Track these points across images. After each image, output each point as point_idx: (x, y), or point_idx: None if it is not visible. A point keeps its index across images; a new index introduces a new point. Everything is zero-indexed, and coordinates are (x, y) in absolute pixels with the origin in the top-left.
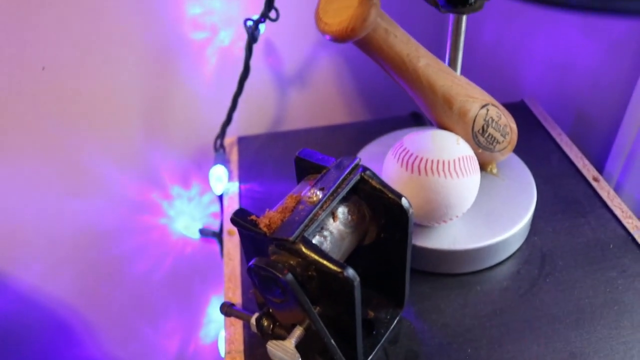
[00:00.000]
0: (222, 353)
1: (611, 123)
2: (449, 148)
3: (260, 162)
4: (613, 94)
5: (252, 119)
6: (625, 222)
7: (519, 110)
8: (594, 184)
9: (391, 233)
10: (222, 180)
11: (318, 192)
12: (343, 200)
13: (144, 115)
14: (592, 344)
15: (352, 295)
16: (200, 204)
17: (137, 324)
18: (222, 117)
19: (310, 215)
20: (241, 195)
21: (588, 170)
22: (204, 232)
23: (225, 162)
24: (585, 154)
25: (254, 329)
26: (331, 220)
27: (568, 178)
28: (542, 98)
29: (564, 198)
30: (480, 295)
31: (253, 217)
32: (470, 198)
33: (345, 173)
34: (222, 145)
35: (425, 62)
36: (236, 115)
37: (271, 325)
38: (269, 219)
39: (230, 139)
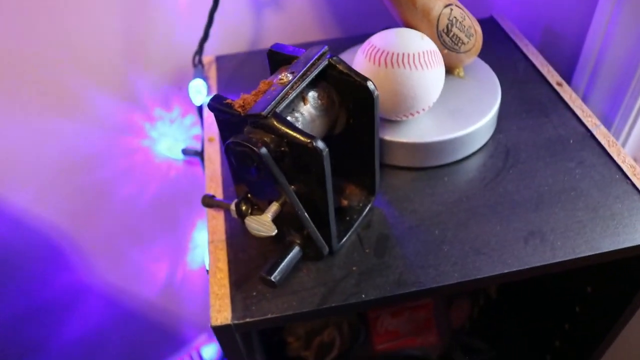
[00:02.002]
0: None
1: (577, 36)
2: (413, 42)
3: (238, 78)
4: (579, 7)
5: (229, 39)
6: (585, 120)
7: (488, 24)
8: (558, 88)
9: (359, 118)
10: (202, 92)
11: (288, 75)
12: (313, 86)
13: (123, 36)
14: (550, 223)
15: (321, 166)
16: (182, 126)
17: (125, 248)
18: (199, 35)
19: (282, 94)
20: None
21: (552, 76)
22: (186, 152)
23: (204, 78)
24: (554, 67)
25: (233, 214)
26: (302, 103)
27: (533, 83)
28: (512, 14)
29: (528, 100)
30: (448, 185)
31: (228, 100)
32: (434, 91)
33: (314, 58)
34: (200, 61)
35: None
36: (214, 35)
37: (249, 209)
38: (243, 100)
39: (208, 57)
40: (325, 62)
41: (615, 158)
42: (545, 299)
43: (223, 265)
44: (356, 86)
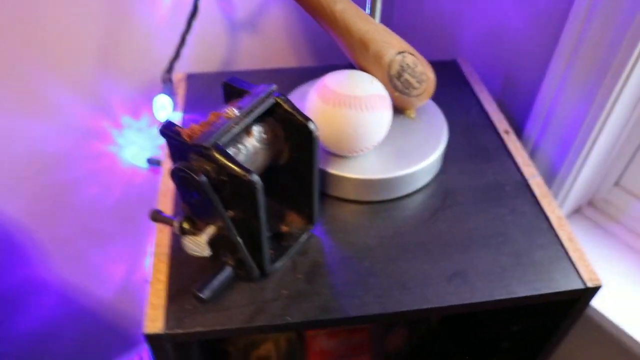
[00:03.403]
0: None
1: (533, 85)
2: (362, 86)
3: (205, 97)
4: (536, 59)
5: (203, 58)
6: (524, 169)
7: (450, 67)
8: (504, 136)
9: (301, 153)
10: (166, 108)
11: (235, 110)
12: (259, 121)
13: (97, 44)
14: (474, 265)
15: (255, 197)
16: (149, 135)
17: (84, 247)
18: (172, 53)
19: (225, 127)
20: (183, 124)
21: (501, 123)
22: (151, 161)
23: (172, 94)
24: (511, 115)
25: (177, 231)
26: (247, 136)
27: (482, 129)
28: (477, 60)
29: (475, 146)
30: (386, 221)
31: (178, 128)
32: (379, 132)
33: (262, 96)
34: (169, 79)
35: (342, 6)
36: (188, 53)
37: (191, 228)
38: (191, 129)
39: (180, 74)
40: (272, 101)
41: (545, 208)
42: (479, 333)
43: (163, 277)
44: (298, 125)
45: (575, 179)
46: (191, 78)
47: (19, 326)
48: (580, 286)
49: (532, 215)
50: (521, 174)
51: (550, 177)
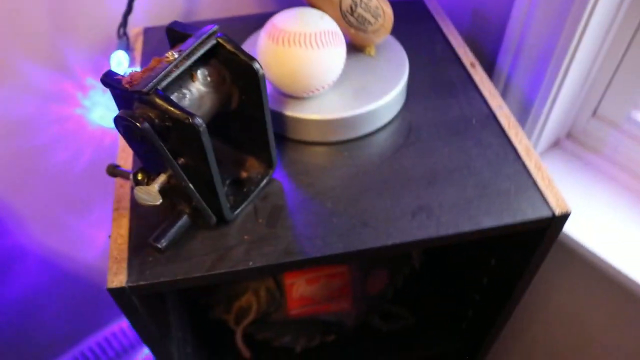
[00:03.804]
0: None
1: (502, 18)
2: (311, 22)
3: (164, 51)
4: None
5: (160, 11)
6: (490, 101)
7: (415, 5)
8: (470, 69)
9: (250, 95)
10: (123, 64)
11: (174, 53)
12: (203, 64)
13: (48, 4)
14: (439, 198)
15: (200, 141)
16: None
17: (63, 214)
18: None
19: (165, 72)
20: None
21: (467, 57)
22: None
23: (128, 50)
24: (482, 51)
25: (131, 182)
26: (190, 80)
27: (447, 63)
28: None
29: (440, 81)
30: (347, 160)
31: (118, 77)
32: (333, 69)
33: (203, 38)
34: (125, 34)
35: None
36: (143, 6)
37: (145, 179)
38: (132, 77)
39: (136, 29)
40: (214, 42)
41: (513, 139)
42: (462, 271)
43: (124, 231)
44: (243, 65)
45: (550, 110)
46: (148, 32)
47: (4, 296)
48: (548, 214)
49: (499, 146)
50: (488, 106)
51: (525, 110)
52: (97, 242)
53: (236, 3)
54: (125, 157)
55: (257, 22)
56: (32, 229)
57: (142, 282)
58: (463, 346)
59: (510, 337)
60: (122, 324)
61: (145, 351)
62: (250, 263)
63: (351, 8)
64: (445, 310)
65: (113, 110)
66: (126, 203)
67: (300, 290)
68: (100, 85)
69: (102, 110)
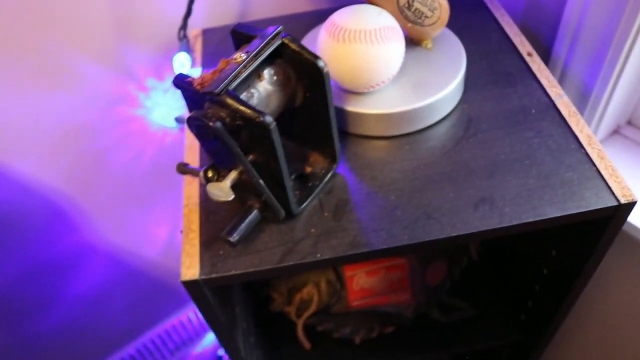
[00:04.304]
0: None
1: (558, 4)
2: (371, 19)
3: (223, 51)
4: None
5: (217, 12)
6: (549, 90)
7: None
8: (527, 58)
9: (314, 92)
10: (185, 65)
11: (242, 54)
12: (269, 63)
13: (110, 10)
14: (501, 190)
15: (270, 138)
16: (175, 95)
17: (126, 211)
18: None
19: (234, 73)
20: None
21: (524, 46)
22: (179, 120)
23: (189, 51)
24: (536, 38)
25: (202, 180)
26: (258, 80)
27: (504, 54)
28: None
29: (497, 71)
30: (408, 153)
31: (190, 79)
32: (393, 64)
33: (268, 38)
34: (185, 36)
35: None
36: (201, 8)
37: (215, 176)
38: (202, 79)
39: (195, 30)
40: (279, 42)
41: (574, 128)
42: (521, 263)
43: (195, 226)
44: (308, 63)
45: (610, 97)
46: (207, 33)
47: (73, 291)
48: (613, 203)
49: (560, 136)
50: (547, 95)
51: (584, 98)
52: (158, 239)
53: (290, 1)
54: (192, 155)
55: (311, 19)
56: (98, 226)
57: (214, 275)
58: (522, 338)
59: (570, 329)
60: (181, 317)
61: (204, 343)
62: (319, 255)
63: (408, 2)
64: (504, 302)
65: (173, 110)
66: (195, 199)
67: (360, 282)
68: (161, 86)
69: (164, 110)
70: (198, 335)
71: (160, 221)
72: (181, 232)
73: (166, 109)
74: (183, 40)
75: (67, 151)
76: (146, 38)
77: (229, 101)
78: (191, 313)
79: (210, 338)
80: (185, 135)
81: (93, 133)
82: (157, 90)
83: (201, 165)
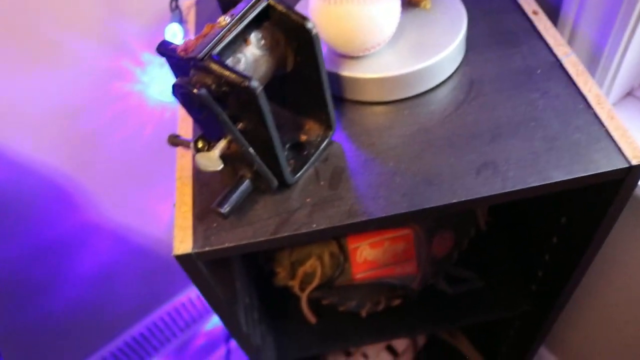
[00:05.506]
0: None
1: None
2: None
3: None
4: None
5: None
6: (556, 49)
7: None
8: (533, 17)
9: (305, 56)
10: (177, 35)
11: (227, 18)
12: (255, 27)
13: None
14: (505, 154)
15: (258, 104)
16: None
17: (129, 189)
18: None
19: (218, 37)
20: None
21: (529, 4)
22: None
23: (182, 22)
24: None
25: (192, 150)
26: (244, 44)
27: (508, 13)
28: None
29: (500, 31)
30: (407, 118)
31: (173, 45)
32: (388, 25)
33: (253, 1)
34: (177, 7)
35: None
36: None
37: (206, 146)
38: (186, 45)
39: (189, 1)
40: (265, 4)
41: (582, 88)
42: (530, 232)
43: (188, 199)
44: (296, 25)
45: (622, 58)
46: (200, 3)
47: (80, 270)
48: (623, 165)
49: (567, 96)
50: (553, 54)
51: (595, 59)
52: (163, 215)
53: None
54: (185, 127)
55: None
56: (101, 205)
57: (207, 248)
58: (533, 308)
59: (582, 299)
60: (190, 294)
61: (213, 320)
62: (314, 225)
63: None
64: (514, 272)
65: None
66: (188, 172)
67: (364, 254)
68: (158, 60)
69: (161, 85)
70: (208, 312)
71: (162, 197)
72: (174, 205)
73: (164, 83)
74: (175, 12)
75: (65, 130)
76: (139, 11)
77: (214, 66)
78: None
79: None
80: (179, 107)
81: (90, 110)
82: (153, 64)
83: (194, 137)
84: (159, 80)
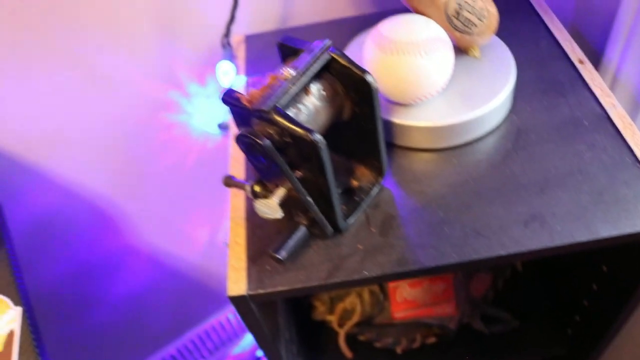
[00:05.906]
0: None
1: (610, 7)
2: (418, 30)
3: (266, 57)
4: None
5: (259, 18)
6: (602, 100)
7: None
8: (579, 65)
9: (363, 107)
10: (229, 73)
11: (291, 70)
12: (317, 79)
13: (153, 16)
14: (552, 207)
15: (319, 156)
16: (218, 101)
17: (169, 215)
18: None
19: (282, 89)
20: (247, 86)
21: (575, 53)
22: (222, 127)
23: (233, 59)
24: (587, 44)
25: (249, 194)
26: (305, 95)
27: (554, 61)
28: None
29: (547, 80)
30: (456, 167)
31: (238, 94)
32: (442, 76)
33: (316, 53)
34: (228, 43)
35: None
36: (243, 15)
37: (263, 191)
38: (251, 95)
39: (238, 37)
40: (327, 57)
41: (629, 140)
42: (568, 275)
43: (241, 240)
44: (357, 78)
45: None
46: (250, 39)
47: (116, 292)
48: None
49: (614, 149)
50: (600, 105)
51: (637, 106)
52: (198, 241)
53: (331, 6)
54: (237, 166)
55: (354, 25)
56: (141, 229)
57: (260, 291)
58: (569, 352)
59: (621, 346)
60: (220, 318)
61: (242, 344)
62: (365, 272)
63: (456, 11)
64: (550, 314)
65: (216, 116)
66: (241, 212)
67: (403, 293)
68: (203, 92)
69: (206, 116)
70: (237, 335)
71: (199, 224)
72: (226, 244)
73: (208, 114)
74: (227, 48)
75: (112, 156)
76: (188, 43)
77: (278, 119)
78: (230, 314)
79: (248, 339)
80: (230, 145)
81: (137, 138)
82: (199, 96)
83: (247, 177)
84: (203, 112)
